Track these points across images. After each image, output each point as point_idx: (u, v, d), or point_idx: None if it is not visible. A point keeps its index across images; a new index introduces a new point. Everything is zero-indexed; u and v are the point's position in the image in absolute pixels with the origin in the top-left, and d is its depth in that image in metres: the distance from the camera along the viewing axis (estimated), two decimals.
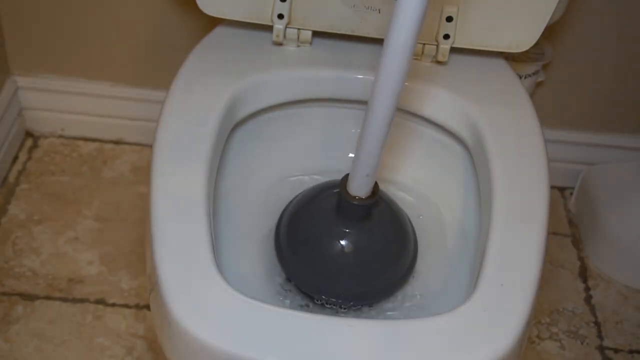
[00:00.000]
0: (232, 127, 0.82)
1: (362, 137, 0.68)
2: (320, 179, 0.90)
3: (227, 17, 0.89)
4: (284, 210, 0.84)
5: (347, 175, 0.74)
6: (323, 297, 0.79)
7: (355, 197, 0.73)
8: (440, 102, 0.85)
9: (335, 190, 0.76)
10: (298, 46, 0.89)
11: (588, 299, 1.19)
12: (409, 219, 0.83)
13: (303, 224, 0.81)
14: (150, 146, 0.78)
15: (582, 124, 1.27)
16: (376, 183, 0.74)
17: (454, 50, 0.88)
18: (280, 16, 0.86)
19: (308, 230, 0.80)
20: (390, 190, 0.90)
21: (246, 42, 0.89)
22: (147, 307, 1.09)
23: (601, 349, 1.13)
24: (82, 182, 1.25)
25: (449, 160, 0.89)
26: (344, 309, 0.80)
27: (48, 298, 1.09)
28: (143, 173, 1.27)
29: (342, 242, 0.77)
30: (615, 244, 1.21)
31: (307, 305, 0.80)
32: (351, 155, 0.83)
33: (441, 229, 0.87)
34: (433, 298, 0.81)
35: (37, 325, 1.06)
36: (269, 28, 0.88)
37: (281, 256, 0.81)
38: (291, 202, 0.84)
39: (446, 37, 0.87)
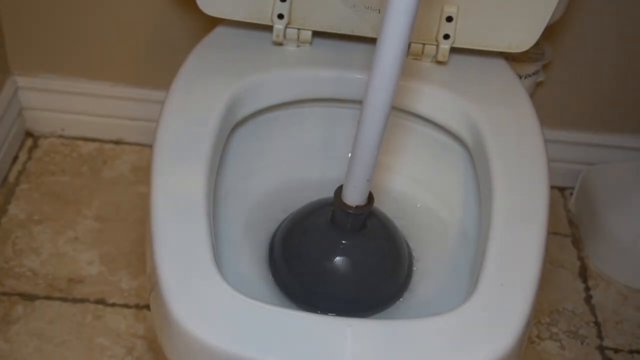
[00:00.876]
0: (232, 127, 0.82)
1: (356, 143, 0.67)
2: (319, 180, 0.89)
3: (227, 17, 0.89)
4: (276, 231, 0.83)
5: (341, 187, 0.73)
6: (319, 311, 0.78)
7: (351, 206, 0.72)
8: (440, 102, 0.85)
9: (328, 206, 0.75)
10: (298, 46, 0.89)
11: (588, 299, 1.19)
12: (400, 232, 0.83)
13: (297, 240, 0.80)
14: (150, 146, 0.78)
15: (582, 124, 1.27)
16: (370, 192, 0.73)
17: (454, 50, 0.88)
18: (280, 16, 0.86)
19: (302, 245, 0.79)
20: (390, 190, 0.90)
21: (246, 42, 0.89)
22: (147, 307, 1.09)
23: (601, 349, 1.13)
24: (82, 182, 1.25)
25: (449, 160, 0.89)
26: None
27: (48, 298, 1.09)
28: (143, 173, 1.27)
29: (339, 255, 0.76)
30: (615, 244, 1.20)
31: None
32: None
33: (441, 229, 0.87)
34: (433, 298, 0.81)
35: (37, 325, 1.06)
36: (269, 28, 0.88)
37: (275, 272, 0.80)
38: (282, 223, 0.83)
39: (446, 37, 0.86)
